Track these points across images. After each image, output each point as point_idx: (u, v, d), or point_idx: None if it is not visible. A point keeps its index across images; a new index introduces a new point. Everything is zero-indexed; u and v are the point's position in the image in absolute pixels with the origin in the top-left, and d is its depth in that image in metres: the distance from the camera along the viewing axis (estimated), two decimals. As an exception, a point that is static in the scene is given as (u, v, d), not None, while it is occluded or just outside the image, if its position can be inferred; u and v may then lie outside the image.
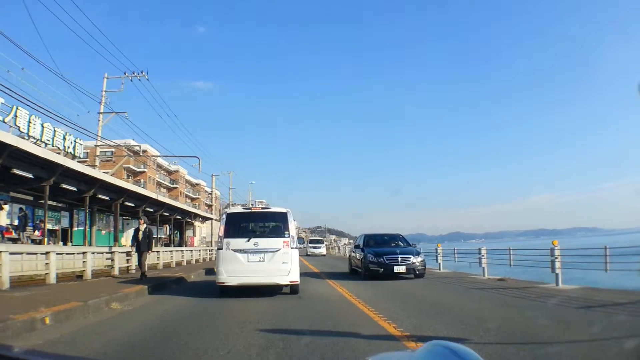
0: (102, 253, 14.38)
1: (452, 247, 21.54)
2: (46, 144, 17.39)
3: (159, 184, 68.64)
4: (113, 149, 56.96)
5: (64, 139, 18.37)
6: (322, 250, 42.17)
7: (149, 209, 28.52)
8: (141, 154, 57.25)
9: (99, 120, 27.53)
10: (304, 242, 61.39)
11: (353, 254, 15.85)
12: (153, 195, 26.72)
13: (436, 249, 18.64)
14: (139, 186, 41.06)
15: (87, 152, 58.81)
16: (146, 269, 13.36)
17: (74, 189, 20.13)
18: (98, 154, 27.10)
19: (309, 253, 40.76)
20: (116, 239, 23.40)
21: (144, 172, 60.51)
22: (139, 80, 27.71)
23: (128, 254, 15.70)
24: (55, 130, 17.80)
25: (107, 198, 23.12)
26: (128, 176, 58.32)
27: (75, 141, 18.95)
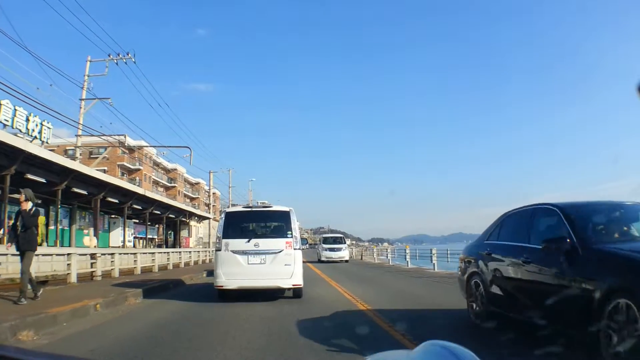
0: (54, 255, 11.44)
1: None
2: (5, 125, 14.68)
3: (156, 183, 65.96)
4: (107, 145, 54.59)
5: (27, 120, 15.64)
6: (344, 253, 28.95)
7: (136, 206, 25.80)
8: (124, 146, 54.43)
9: (80, 107, 25.01)
10: (306, 243, 56.05)
11: (519, 270, 5.20)
12: (140, 191, 23.99)
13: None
14: (134, 184, 38.41)
15: (81, 151, 56.43)
16: (33, 283, 7.87)
17: (43, 180, 17.39)
18: (80, 144, 24.41)
19: (323, 258, 28.52)
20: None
21: (139, 169, 57.85)
22: (125, 63, 25.03)
23: (93, 256, 12.77)
24: (15, 109, 15.09)
25: (85, 192, 20.38)
26: (123, 174, 55.71)
27: (41, 124, 16.22)
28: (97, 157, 56.84)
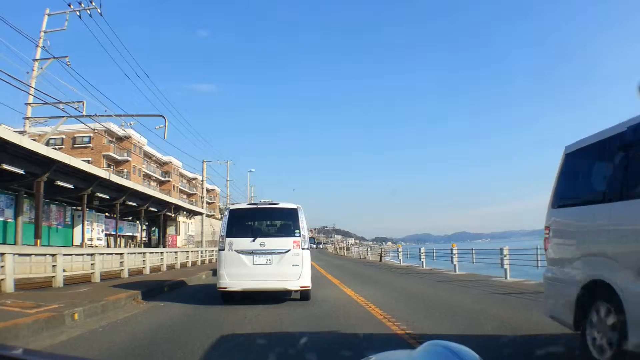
0: None
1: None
2: None
3: (148, 176, 60.92)
4: (91, 135, 49.39)
5: None
6: None
7: (101, 195, 20.73)
8: (103, 135, 48.96)
9: (33, 69, 20.01)
10: (314, 242, 49.88)
11: None
12: (103, 174, 18.90)
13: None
14: (122, 177, 33.30)
15: (63, 139, 51.14)
16: None
17: (-53, 150, 12.43)
18: (30, 115, 19.35)
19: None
20: (37, 235, 15.60)
21: (127, 161, 52.77)
22: (90, 15, 19.98)
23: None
24: None
25: (22, 172, 15.34)
26: (109, 165, 50.66)
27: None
28: (82, 147, 51.91)
